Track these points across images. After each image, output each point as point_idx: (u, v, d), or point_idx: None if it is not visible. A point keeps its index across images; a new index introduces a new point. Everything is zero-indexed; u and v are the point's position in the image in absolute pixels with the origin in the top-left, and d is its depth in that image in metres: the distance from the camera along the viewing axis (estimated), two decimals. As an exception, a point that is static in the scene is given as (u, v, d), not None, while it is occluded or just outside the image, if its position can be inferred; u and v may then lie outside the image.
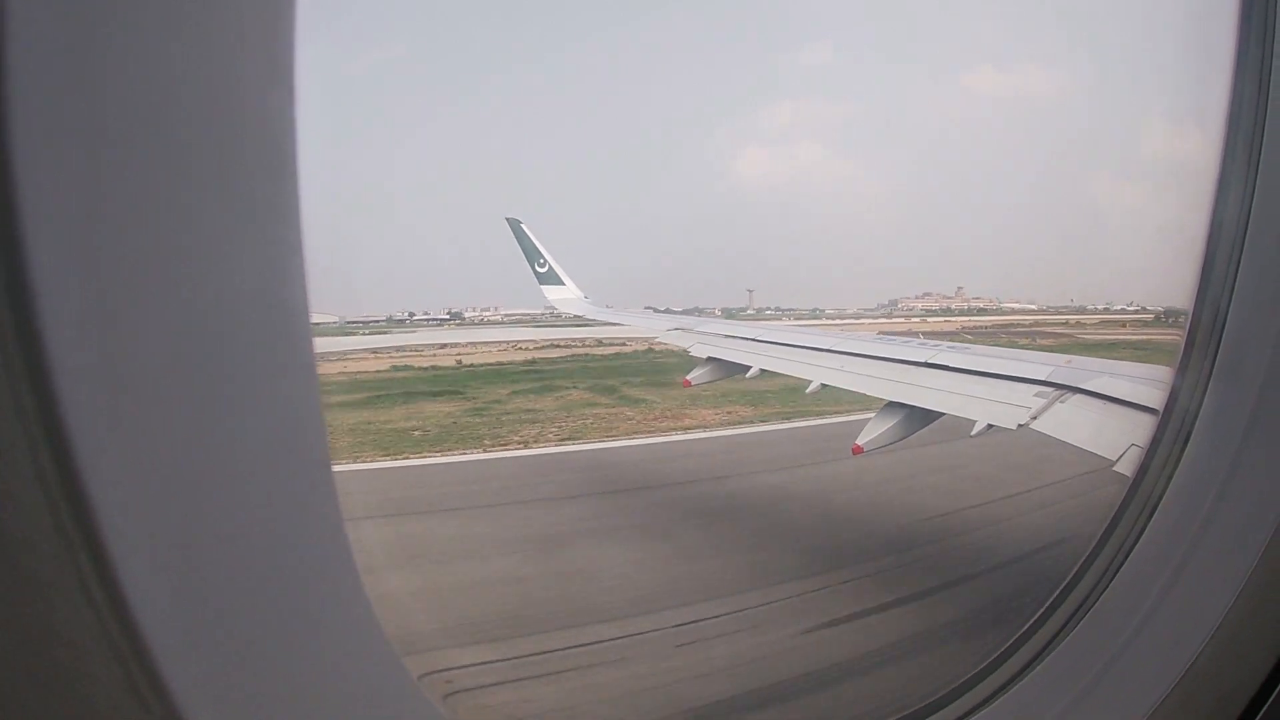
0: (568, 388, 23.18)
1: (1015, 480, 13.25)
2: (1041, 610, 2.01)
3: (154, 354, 0.93)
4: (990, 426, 7.53)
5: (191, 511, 0.96)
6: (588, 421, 18.00)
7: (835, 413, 17.36)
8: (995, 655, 1.99)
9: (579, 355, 34.05)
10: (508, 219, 16.30)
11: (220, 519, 0.99)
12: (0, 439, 0.84)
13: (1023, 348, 14.10)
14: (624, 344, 33.57)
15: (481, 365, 30.90)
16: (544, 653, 6.98)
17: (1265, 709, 1.57)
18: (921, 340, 11.47)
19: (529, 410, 19.29)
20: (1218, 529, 1.71)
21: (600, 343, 34.58)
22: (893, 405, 8.82)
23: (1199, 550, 1.73)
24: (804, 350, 11.29)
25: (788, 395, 18.99)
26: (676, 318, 16.33)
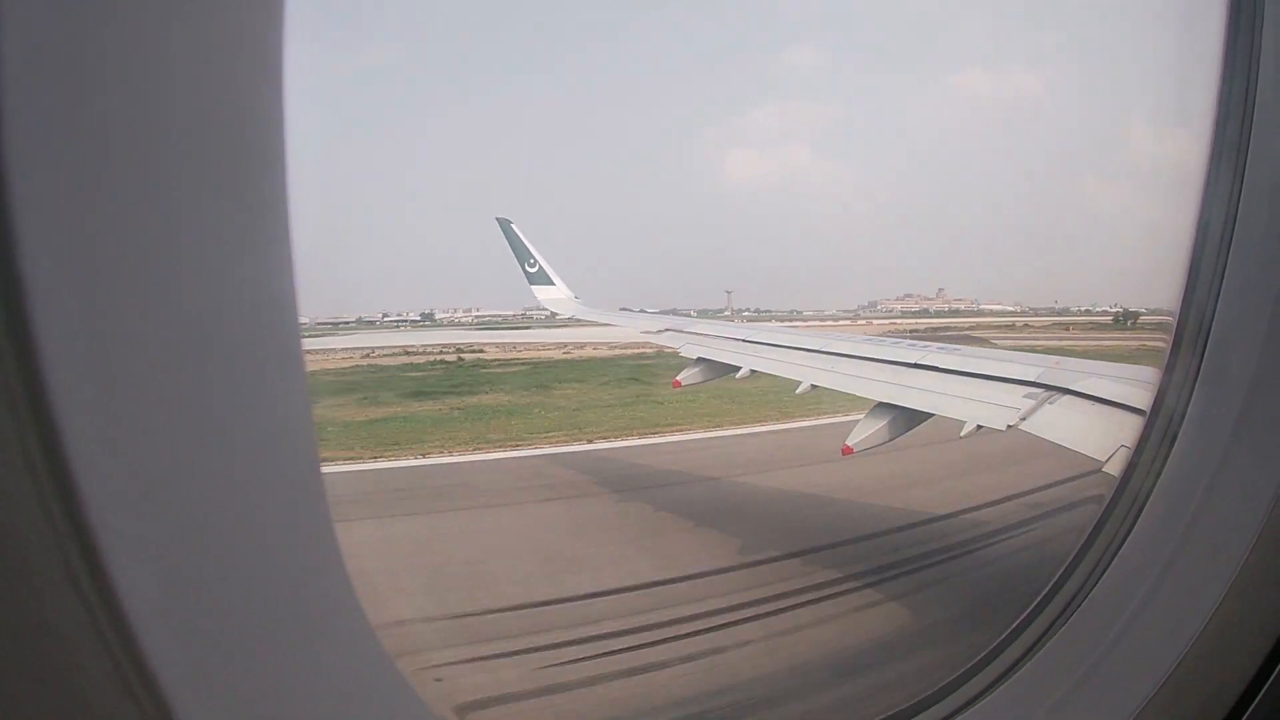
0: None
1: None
2: (1029, 609, 2.02)
3: (145, 351, 0.92)
4: (980, 427, 7.57)
5: (182, 508, 0.96)
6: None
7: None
8: (984, 653, 2.00)
9: (528, 360, 34.25)
10: (498, 219, 16.24)
11: (211, 516, 0.99)
12: None
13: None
14: (591, 347, 33.87)
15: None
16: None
17: (1251, 709, 1.58)
18: (912, 341, 11.52)
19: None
20: (1204, 530, 1.72)
21: (567, 347, 34.87)
22: (882, 406, 8.85)
23: (1185, 550, 1.74)
24: (794, 351, 11.31)
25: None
26: (664, 318, 16.32)
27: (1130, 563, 1.85)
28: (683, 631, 7.98)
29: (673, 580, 9.40)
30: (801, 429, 18.64)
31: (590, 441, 17.63)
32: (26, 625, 0.89)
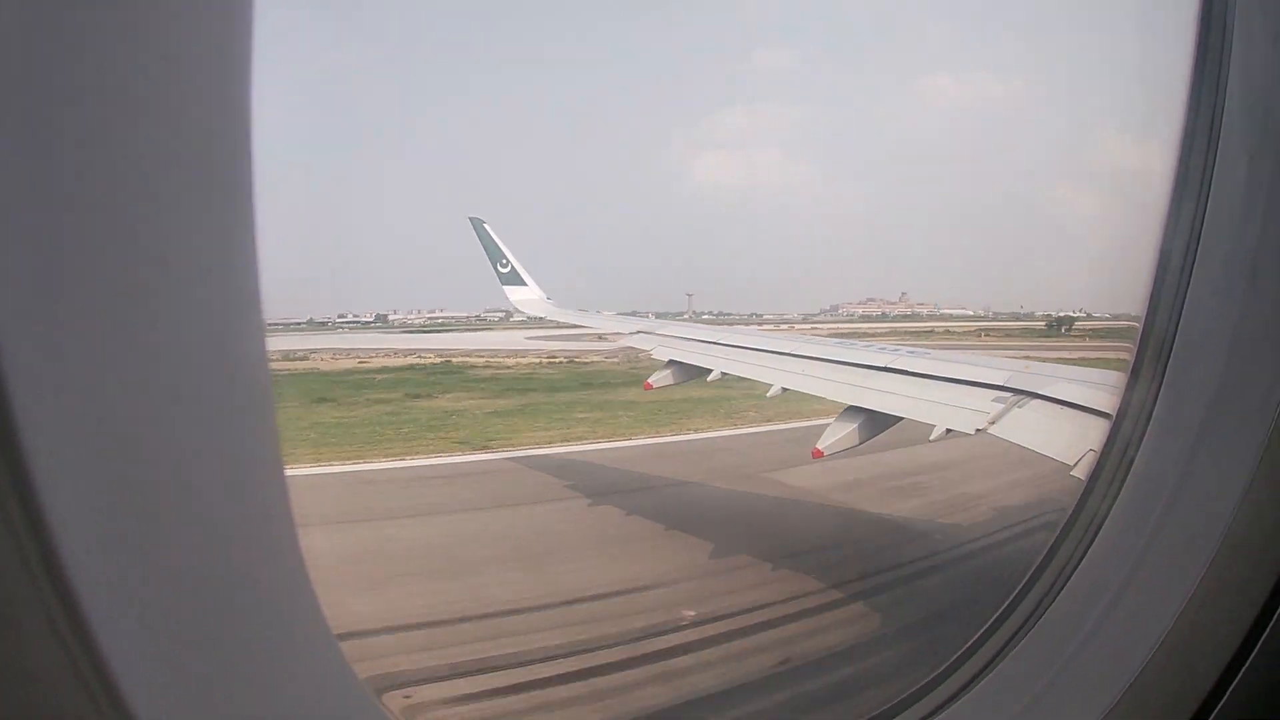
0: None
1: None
2: (999, 612, 2.02)
3: (106, 352, 0.91)
4: (949, 431, 7.63)
5: (142, 508, 0.95)
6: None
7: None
8: (955, 656, 2.00)
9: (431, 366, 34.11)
10: (470, 218, 16.09)
11: (171, 517, 0.97)
12: None
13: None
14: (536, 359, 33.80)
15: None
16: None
17: (1219, 708, 1.59)
18: (882, 345, 11.61)
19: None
20: (1170, 532, 1.73)
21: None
22: (853, 409, 8.90)
23: (1152, 552, 1.75)
24: (765, 354, 11.35)
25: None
26: (636, 321, 16.31)
27: (1097, 565, 1.86)
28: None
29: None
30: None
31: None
32: None
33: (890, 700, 1.93)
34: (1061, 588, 1.90)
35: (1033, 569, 2.04)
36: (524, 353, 38.52)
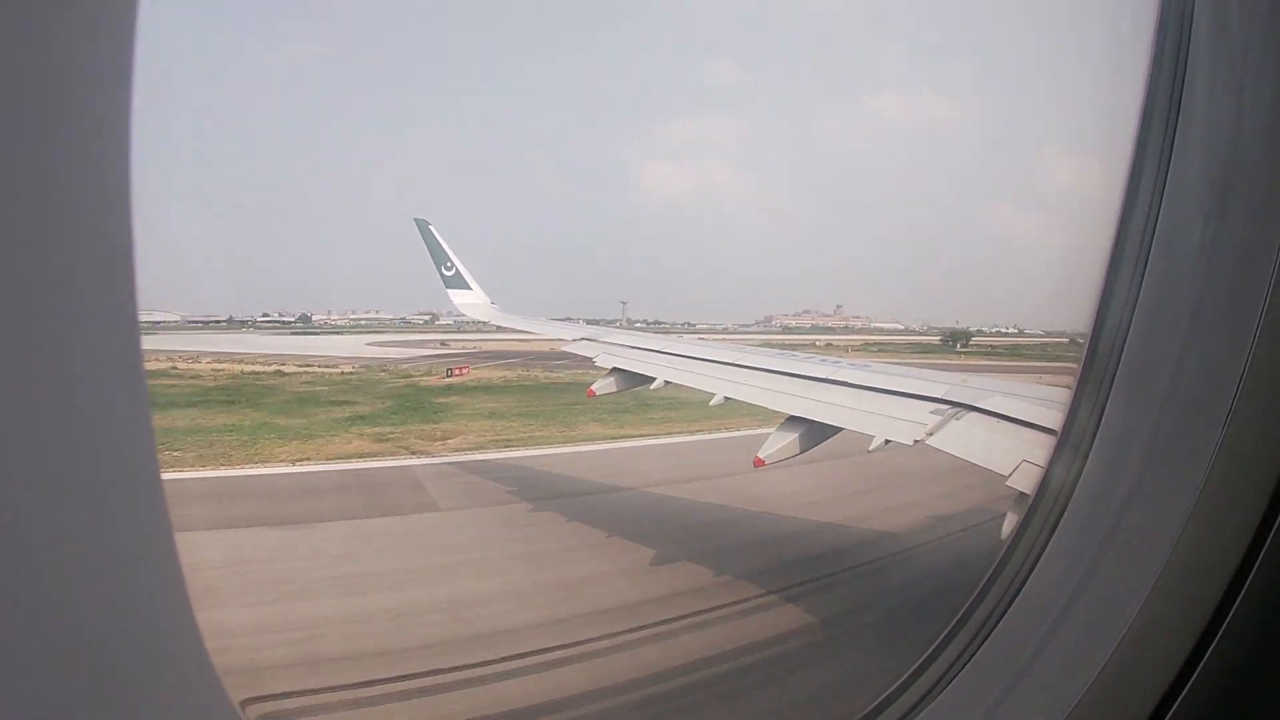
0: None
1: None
2: (952, 624, 2.02)
3: None
4: (888, 442, 7.73)
5: (12, 511, 0.92)
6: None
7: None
8: (907, 674, 1.99)
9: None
10: (416, 220, 15.81)
11: (40, 518, 0.94)
12: None
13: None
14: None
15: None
16: None
17: (1175, 708, 1.59)
18: (824, 356, 11.76)
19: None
20: (1119, 545, 1.76)
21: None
22: (794, 419, 8.97)
23: (1101, 565, 1.77)
24: (709, 363, 11.39)
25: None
26: (581, 327, 16.23)
27: (1050, 573, 1.88)
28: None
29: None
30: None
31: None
32: None
33: (855, 714, 1.91)
34: (1012, 600, 1.90)
35: (985, 578, 2.04)
36: (357, 360, 39.27)
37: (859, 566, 11.43)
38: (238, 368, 38.07)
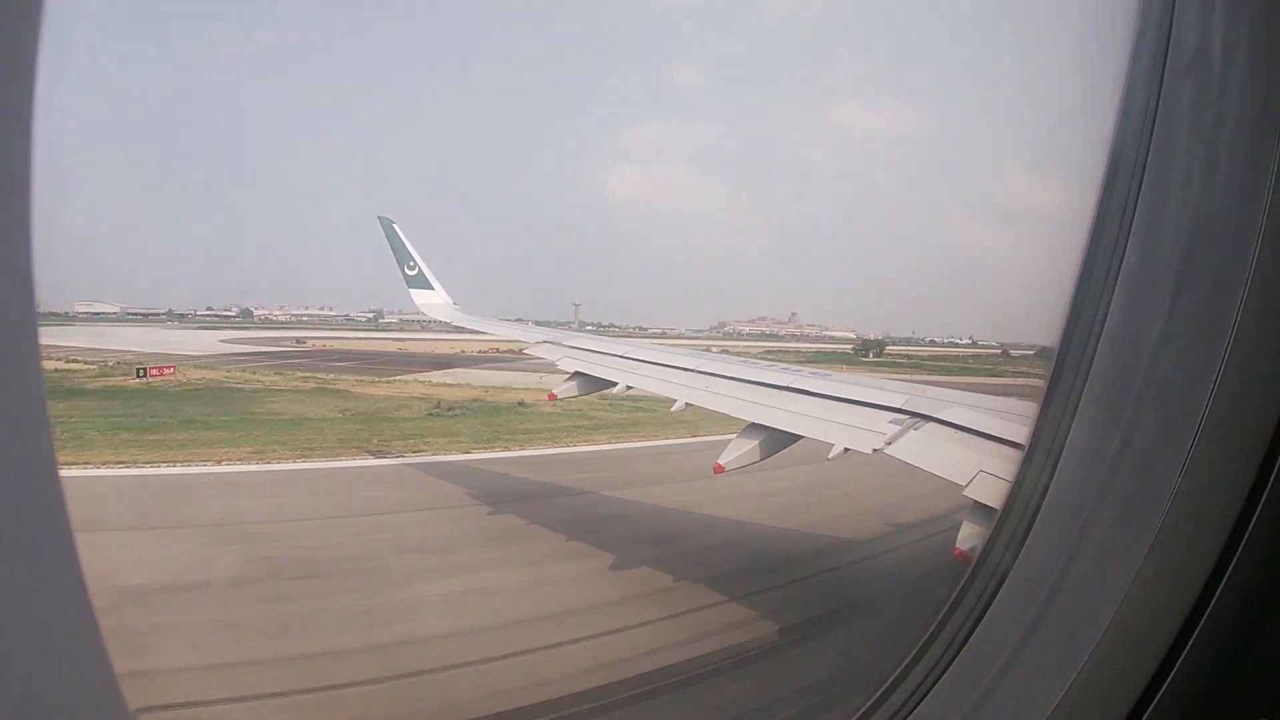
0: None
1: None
2: (926, 636, 2.04)
3: None
4: (846, 450, 7.82)
5: None
6: None
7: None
8: (890, 680, 2.01)
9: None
10: (380, 218, 15.53)
11: None
12: None
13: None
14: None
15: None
16: None
17: (1152, 708, 1.62)
18: (785, 365, 11.85)
19: None
20: (1093, 551, 1.78)
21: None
22: (754, 426, 9.02)
23: (1076, 570, 1.79)
24: (671, 369, 11.41)
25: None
26: (543, 330, 16.15)
27: (1024, 580, 1.90)
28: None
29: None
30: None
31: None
32: None
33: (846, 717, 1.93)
34: (991, 601, 1.94)
35: (959, 585, 2.07)
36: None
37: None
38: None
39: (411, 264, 15.26)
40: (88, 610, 1.08)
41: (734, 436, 9.18)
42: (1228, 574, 1.57)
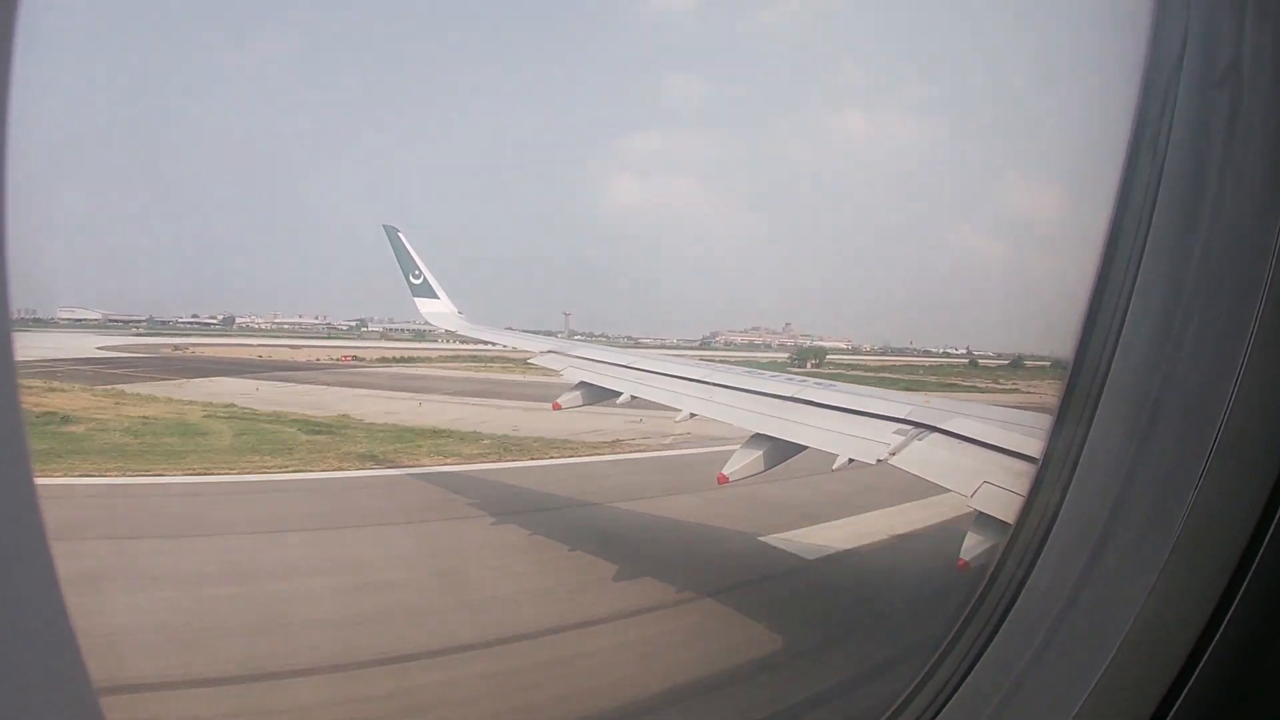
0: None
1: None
2: (946, 642, 2.03)
3: None
4: (851, 461, 7.79)
5: None
6: None
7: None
8: (899, 701, 1.99)
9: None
10: (385, 227, 15.55)
11: None
12: None
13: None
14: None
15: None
16: None
17: (1175, 709, 1.60)
18: (789, 375, 11.84)
19: None
20: (1105, 565, 1.78)
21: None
22: (759, 437, 9.00)
23: (1087, 586, 1.79)
24: (676, 379, 11.40)
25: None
26: (548, 340, 16.17)
27: (1042, 587, 1.91)
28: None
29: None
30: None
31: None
32: None
33: None
34: (1010, 606, 1.94)
35: (978, 591, 2.05)
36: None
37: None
38: None
39: (417, 273, 15.28)
40: (63, 617, 1.08)
41: (738, 447, 9.16)
42: (1244, 588, 1.56)
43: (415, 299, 15.40)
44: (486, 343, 16.58)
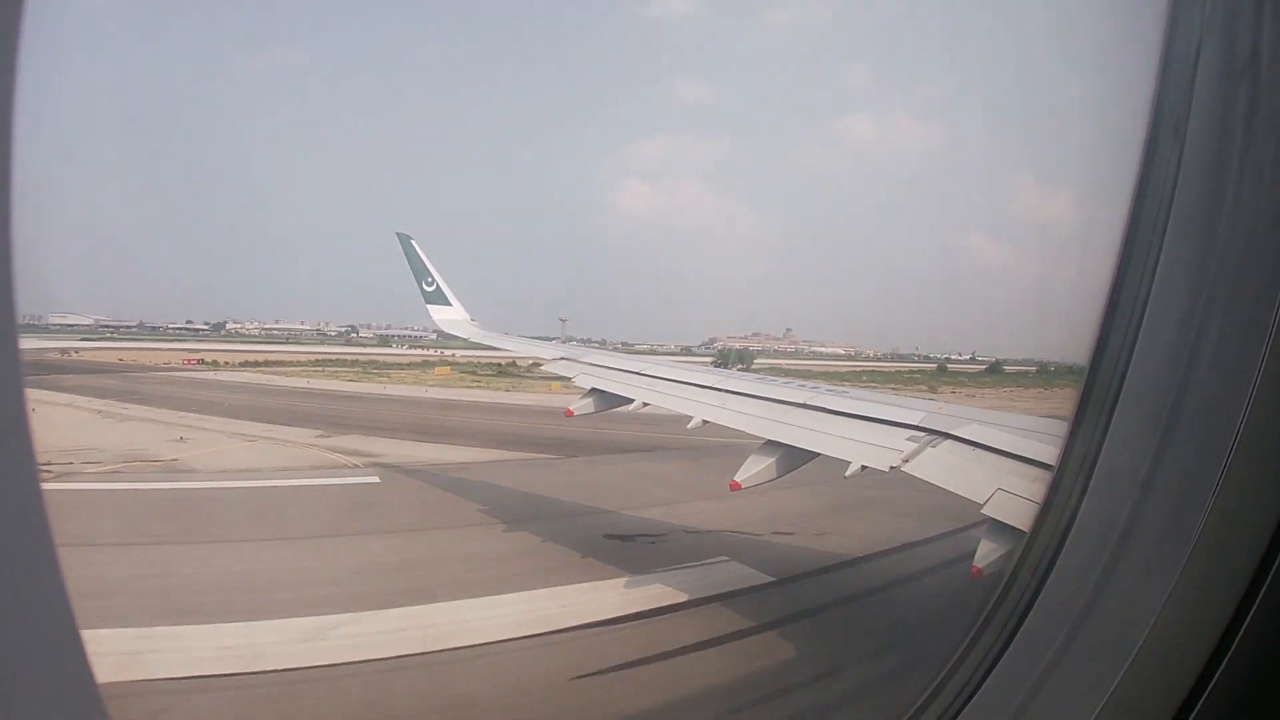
0: None
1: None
2: (969, 638, 2.02)
3: None
4: (864, 468, 7.76)
5: None
6: None
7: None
8: (916, 705, 1.99)
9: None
10: (398, 234, 15.60)
11: None
12: None
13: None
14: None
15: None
16: None
17: (1198, 709, 1.59)
18: (801, 382, 11.79)
19: None
20: (1122, 572, 1.78)
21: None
22: (770, 444, 8.97)
23: (1105, 593, 1.79)
24: (687, 386, 11.38)
25: None
26: (560, 347, 16.18)
27: (1056, 598, 1.90)
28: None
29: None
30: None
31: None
32: None
33: None
34: (1025, 614, 1.93)
35: (995, 595, 2.05)
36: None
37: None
38: None
39: (429, 280, 15.31)
40: (69, 617, 1.09)
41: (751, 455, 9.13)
42: (1262, 593, 1.55)
43: (428, 306, 15.41)
44: (499, 349, 16.56)
